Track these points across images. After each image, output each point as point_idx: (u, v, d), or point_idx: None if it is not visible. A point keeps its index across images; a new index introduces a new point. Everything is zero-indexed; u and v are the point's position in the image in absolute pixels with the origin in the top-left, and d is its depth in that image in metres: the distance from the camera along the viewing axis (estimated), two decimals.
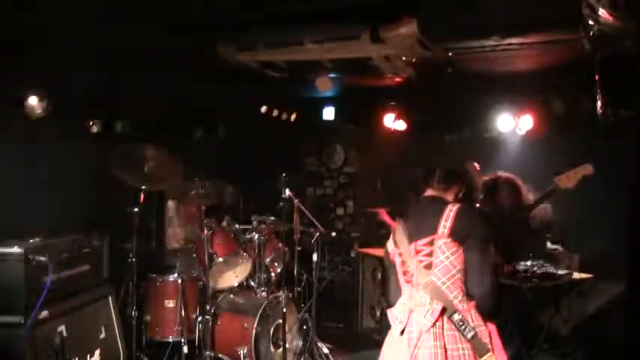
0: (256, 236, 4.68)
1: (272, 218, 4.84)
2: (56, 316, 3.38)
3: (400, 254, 2.57)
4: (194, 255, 4.55)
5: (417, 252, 2.48)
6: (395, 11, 3.63)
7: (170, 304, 4.34)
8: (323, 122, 7.15)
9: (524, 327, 4.45)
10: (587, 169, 3.47)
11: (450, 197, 2.62)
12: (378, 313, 5.54)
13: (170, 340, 4.32)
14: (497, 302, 2.48)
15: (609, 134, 4.49)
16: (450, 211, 2.43)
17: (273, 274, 4.87)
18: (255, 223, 4.80)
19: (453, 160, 2.83)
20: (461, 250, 2.40)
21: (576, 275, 4.59)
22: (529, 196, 4.09)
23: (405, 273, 2.56)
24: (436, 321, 2.37)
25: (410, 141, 6.42)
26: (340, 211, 7.68)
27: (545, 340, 4.79)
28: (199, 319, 4.30)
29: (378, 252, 5.62)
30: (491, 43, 3.79)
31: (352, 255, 6.83)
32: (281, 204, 4.49)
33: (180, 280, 4.35)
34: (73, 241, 3.71)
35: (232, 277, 4.71)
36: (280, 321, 4.32)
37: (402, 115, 6.26)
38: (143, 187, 4.10)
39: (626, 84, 3.94)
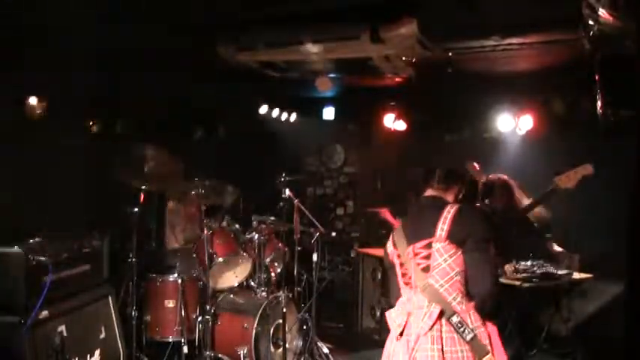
0: (256, 236, 4.68)
1: (272, 218, 4.84)
2: (56, 316, 3.38)
3: (399, 256, 2.57)
4: (194, 255, 4.55)
5: (415, 254, 2.46)
6: (395, 11, 3.63)
7: (170, 304, 4.34)
8: (323, 122, 7.16)
9: (524, 327, 4.45)
10: (587, 169, 3.47)
11: (450, 197, 2.60)
12: (378, 313, 5.54)
13: (170, 340, 4.32)
14: (497, 303, 2.47)
15: (609, 134, 4.49)
16: (449, 213, 2.41)
17: (273, 274, 4.87)
18: (255, 223, 4.80)
19: (453, 160, 2.83)
20: (459, 252, 2.37)
21: (576, 275, 4.58)
22: (523, 199, 4.10)
23: (403, 275, 2.55)
24: (434, 324, 2.35)
25: (410, 141, 6.42)
26: (340, 211, 7.68)
27: (545, 340, 4.79)
28: (199, 319, 4.30)
29: (378, 252, 5.61)
30: (491, 43, 3.80)
31: (352, 255, 6.83)
32: (281, 204, 4.49)
33: (180, 280, 4.35)
34: (73, 241, 3.70)
35: (232, 277, 4.71)
36: (280, 321, 4.31)
37: (402, 115, 6.26)
38: (143, 187, 4.10)
39: (626, 84, 3.94)
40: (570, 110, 5.03)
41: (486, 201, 4.03)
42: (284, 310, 4.28)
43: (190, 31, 4.02)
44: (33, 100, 3.82)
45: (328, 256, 7.17)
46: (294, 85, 5.88)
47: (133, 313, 4.00)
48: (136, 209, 4.01)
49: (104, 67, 4.17)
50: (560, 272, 4.47)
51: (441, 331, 2.36)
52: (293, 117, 6.88)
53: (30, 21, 3.41)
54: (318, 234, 4.78)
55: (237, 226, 4.85)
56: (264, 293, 4.53)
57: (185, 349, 4.22)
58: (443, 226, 2.38)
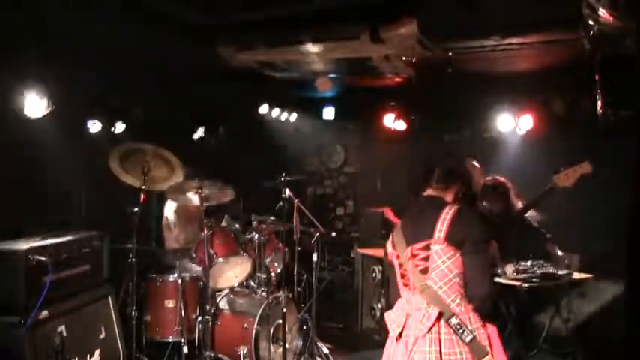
0: (256, 236, 4.68)
1: (272, 218, 4.84)
2: (56, 316, 3.39)
3: (398, 256, 2.56)
4: (194, 255, 4.55)
5: (414, 256, 2.45)
6: (395, 11, 3.63)
7: (170, 304, 4.34)
8: (323, 122, 7.16)
9: (524, 327, 4.45)
10: (586, 168, 3.47)
11: (449, 197, 2.57)
12: (378, 313, 5.54)
13: (170, 340, 4.32)
14: (495, 303, 2.46)
15: (609, 134, 4.49)
16: (447, 214, 2.39)
17: (273, 274, 4.87)
18: (255, 223, 4.80)
19: (453, 160, 2.81)
20: (458, 254, 2.36)
21: (576, 275, 4.58)
22: (517, 202, 4.10)
23: (402, 276, 2.54)
24: (432, 326, 2.34)
25: (410, 141, 6.42)
26: (340, 211, 7.68)
27: (545, 340, 4.79)
28: (199, 319, 4.30)
29: (378, 252, 5.61)
30: (491, 43, 3.80)
31: (352, 255, 6.82)
32: (281, 204, 4.49)
33: (180, 280, 4.35)
34: (73, 241, 3.71)
35: (232, 277, 4.71)
36: (280, 321, 4.31)
37: (402, 115, 6.26)
38: (143, 187, 4.10)
39: (626, 84, 3.94)
40: (570, 110, 5.02)
41: (484, 203, 4.03)
42: (284, 310, 4.28)
43: (190, 31, 4.02)
44: (33, 100, 3.81)
45: (328, 256, 7.18)
46: (294, 85, 5.88)
47: (133, 313, 4.00)
48: (136, 209, 4.01)
49: (104, 67, 4.17)
50: (560, 272, 4.46)
51: (439, 333, 2.35)
52: (293, 117, 6.87)
53: (30, 21, 3.41)
54: (318, 234, 4.77)
55: (237, 226, 4.85)
56: (264, 293, 4.52)
57: (185, 349, 4.21)
58: (441, 228, 2.37)
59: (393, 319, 2.54)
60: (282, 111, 6.63)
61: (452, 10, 3.47)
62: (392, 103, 6.31)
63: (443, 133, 6.30)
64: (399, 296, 2.59)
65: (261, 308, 4.30)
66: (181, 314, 4.27)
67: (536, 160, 5.19)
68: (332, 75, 5.15)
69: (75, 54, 3.89)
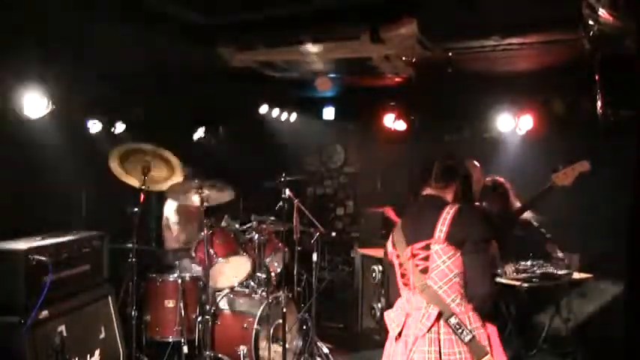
0: (256, 236, 4.68)
1: (272, 218, 4.84)
2: (56, 316, 3.39)
3: (398, 256, 2.55)
4: (194, 255, 4.56)
5: (414, 255, 2.44)
6: (395, 11, 3.63)
7: (170, 304, 4.34)
8: (323, 122, 7.15)
9: (524, 327, 4.45)
10: (584, 166, 3.47)
11: (449, 196, 2.55)
12: (378, 313, 5.54)
13: (170, 340, 4.32)
14: (495, 303, 2.46)
15: (609, 134, 4.49)
16: (448, 214, 2.37)
17: (273, 274, 4.87)
18: (255, 223, 4.80)
19: (451, 158, 2.79)
20: (458, 254, 2.35)
21: (576, 275, 4.58)
22: (516, 203, 4.10)
23: (402, 275, 2.54)
24: (432, 325, 2.34)
25: (410, 141, 6.42)
26: (340, 211, 7.68)
27: (545, 340, 4.79)
28: (199, 319, 4.30)
29: (378, 252, 5.61)
30: (491, 43, 3.79)
31: (352, 255, 6.82)
32: (281, 204, 4.49)
33: (180, 280, 4.35)
34: (73, 241, 3.71)
35: (232, 277, 4.70)
36: (280, 321, 4.31)
37: (402, 115, 6.26)
38: (143, 187, 4.10)
39: (626, 84, 3.94)
40: (570, 110, 5.02)
41: (484, 203, 4.04)
42: (284, 310, 4.28)
43: (190, 31, 4.02)
44: (33, 100, 3.82)
45: (328, 256, 7.18)
46: (294, 85, 5.88)
47: (133, 313, 4.00)
48: (136, 209, 4.01)
49: (104, 67, 4.17)
50: (560, 272, 4.47)
51: (438, 333, 2.34)
52: (293, 117, 6.87)
53: (30, 21, 3.41)
54: (318, 234, 4.78)
55: (237, 226, 4.85)
56: (264, 293, 4.52)
57: (185, 349, 4.22)
58: (442, 228, 2.36)
59: (392, 318, 2.54)
60: (282, 111, 6.63)
61: (452, 10, 3.47)
62: (392, 103, 6.31)
63: (443, 133, 6.31)
64: (399, 296, 2.59)
65: (261, 308, 4.31)
66: (181, 314, 4.27)
67: (536, 160, 5.19)
68: (332, 75, 5.15)
69: (75, 54, 3.89)
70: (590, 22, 2.74)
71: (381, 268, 5.60)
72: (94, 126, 4.53)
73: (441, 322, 2.35)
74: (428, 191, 2.59)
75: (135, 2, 3.41)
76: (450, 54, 4.13)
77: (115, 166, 4.09)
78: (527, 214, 4.20)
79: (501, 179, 4.18)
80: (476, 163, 4.19)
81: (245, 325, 4.27)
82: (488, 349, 2.33)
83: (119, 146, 4.16)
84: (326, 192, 7.78)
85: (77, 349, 3.52)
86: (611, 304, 4.81)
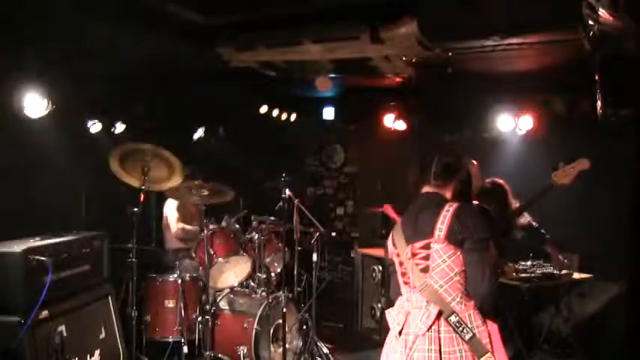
0: (256, 236, 4.68)
1: (272, 218, 4.84)
2: (56, 316, 3.39)
3: (398, 254, 2.55)
4: (194, 255, 4.56)
5: (414, 255, 2.44)
6: (395, 11, 3.62)
7: (170, 304, 4.34)
8: (323, 122, 7.16)
9: (524, 327, 4.45)
10: (584, 164, 3.46)
11: (448, 194, 2.55)
12: (378, 313, 5.55)
13: (170, 340, 4.32)
14: (496, 302, 2.45)
15: (609, 134, 4.49)
16: (447, 212, 2.37)
17: (273, 274, 4.87)
18: (255, 223, 4.80)
19: (450, 155, 2.78)
20: (459, 253, 2.35)
21: (576, 275, 4.59)
22: (516, 204, 4.11)
23: (403, 274, 2.54)
24: (432, 324, 2.34)
25: (410, 141, 6.42)
26: (340, 211, 7.68)
27: (545, 340, 4.79)
28: (199, 319, 4.30)
29: (378, 252, 5.62)
30: (491, 43, 3.79)
31: (352, 255, 6.83)
32: (281, 204, 4.49)
33: (180, 280, 4.35)
34: (73, 241, 3.71)
35: (232, 277, 4.71)
36: (280, 321, 4.31)
37: (402, 115, 6.26)
38: (143, 187, 4.10)
39: (626, 84, 3.94)
40: (570, 110, 5.02)
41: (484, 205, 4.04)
42: (284, 310, 4.28)
43: (190, 31, 4.02)
44: (33, 100, 3.82)
45: (328, 256, 7.17)
46: (294, 85, 5.88)
47: (133, 313, 4.00)
48: (136, 209, 4.01)
49: (104, 67, 4.17)
50: (560, 272, 4.48)
51: (439, 332, 2.34)
52: (293, 117, 6.87)
53: (31, 21, 3.41)
54: (318, 234, 4.78)
55: (237, 226, 4.85)
56: (264, 293, 4.53)
57: (185, 349, 4.22)
58: (441, 227, 2.35)
59: (394, 316, 2.54)
60: (282, 111, 6.63)
61: (452, 10, 3.46)
62: (392, 103, 6.31)
63: (443, 133, 6.30)
64: (400, 294, 2.59)
65: (261, 308, 4.31)
66: (181, 314, 4.27)
67: (536, 160, 5.19)
68: (332, 75, 5.14)
69: (75, 54, 3.89)
70: (590, 22, 2.74)
71: (381, 268, 5.61)
72: (94, 126, 4.53)
73: (442, 320, 2.35)
74: (427, 189, 2.58)
75: (135, 2, 3.41)
76: (450, 54, 4.12)
77: (115, 166, 4.09)
78: (526, 215, 4.20)
79: (500, 180, 4.19)
80: (473, 161, 4.20)
81: (245, 325, 4.27)
82: (489, 347, 2.33)
83: (119, 146, 4.16)
84: (326, 192, 7.78)
85: (77, 349, 3.52)
86: (611, 304, 4.81)
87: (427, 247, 2.40)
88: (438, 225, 2.36)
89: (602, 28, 2.72)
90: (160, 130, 4.82)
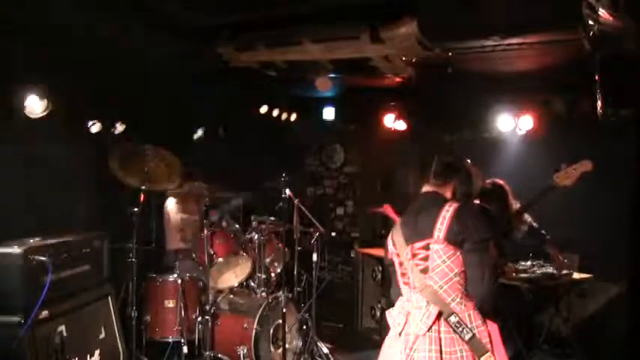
0: (256, 236, 4.68)
1: (272, 218, 4.84)
2: (56, 316, 3.38)
3: (398, 255, 2.55)
4: (194, 255, 4.55)
5: (414, 255, 2.44)
6: (395, 11, 3.63)
7: (170, 304, 4.34)
8: (323, 122, 7.15)
9: (524, 327, 4.45)
10: (587, 166, 3.46)
11: (448, 193, 2.54)
12: (378, 313, 5.55)
13: (170, 340, 4.32)
14: (496, 303, 2.45)
15: (609, 134, 4.49)
16: (447, 212, 2.37)
17: (273, 274, 4.87)
18: (255, 223, 4.80)
19: (450, 154, 2.77)
20: (458, 253, 2.35)
21: (576, 275, 4.58)
22: (516, 204, 4.11)
23: (403, 274, 2.53)
24: (432, 324, 2.34)
25: (410, 141, 6.42)
26: (340, 211, 7.67)
27: (545, 340, 4.79)
28: (199, 319, 4.30)
29: (378, 252, 5.62)
30: (491, 43, 3.79)
31: (352, 255, 6.83)
32: (281, 204, 4.49)
33: (180, 280, 4.35)
34: (73, 241, 3.71)
35: (232, 277, 4.71)
36: (280, 321, 4.31)
37: (402, 115, 6.26)
38: (143, 187, 4.10)
39: (626, 84, 3.94)
40: (570, 110, 5.02)
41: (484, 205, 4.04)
42: (284, 310, 4.28)
43: (190, 31, 4.02)
44: (33, 100, 3.82)
45: (328, 256, 7.17)
46: (294, 85, 5.88)
47: (133, 313, 4.00)
48: (136, 209, 4.01)
49: (105, 67, 4.17)
50: (560, 272, 4.47)
51: (439, 332, 2.35)
52: (293, 117, 6.87)
53: (31, 21, 3.41)
54: (318, 234, 4.77)
55: (237, 226, 4.85)
56: (264, 293, 4.53)
57: (185, 349, 4.22)
58: (441, 227, 2.35)
59: (394, 316, 2.54)
60: (282, 111, 6.63)
61: (452, 10, 3.47)
62: (392, 103, 6.31)
63: (443, 133, 6.30)
64: (401, 294, 2.59)
65: (261, 308, 4.31)
66: (181, 314, 4.27)
67: (536, 160, 5.19)
68: (332, 75, 5.14)
69: (75, 54, 3.89)
70: (590, 22, 2.74)
71: (381, 268, 5.61)
72: (94, 126, 4.53)
73: (442, 320, 2.35)
74: (427, 188, 2.58)
75: (135, 2, 3.41)
76: (450, 54, 4.12)
77: (115, 166, 4.09)
78: (527, 216, 4.20)
79: (500, 181, 4.18)
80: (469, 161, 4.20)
81: (245, 325, 4.27)
82: (489, 346, 2.33)
83: (119, 146, 4.16)
84: (326, 192, 7.77)
85: (77, 349, 3.51)
86: (611, 304, 4.81)
87: (427, 247, 2.39)
88: (438, 225, 2.36)
89: (602, 28, 2.72)
90: (160, 130, 4.82)
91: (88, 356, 3.64)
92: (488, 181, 4.16)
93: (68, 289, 3.58)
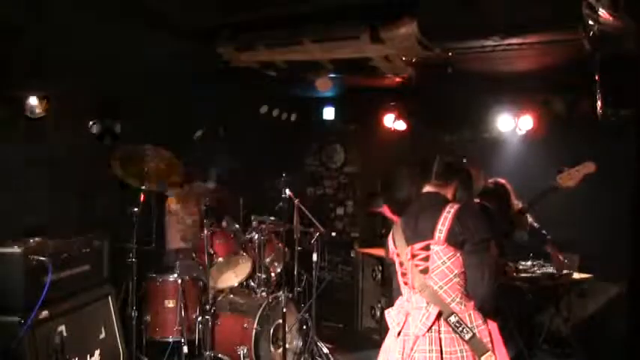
0: (256, 236, 4.68)
1: (272, 218, 4.84)
2: (56, 316, 3.38)
3: (398, 255, 2.55)
4: (194, 255, 4.55)
5: (414, 256, 2.43)
6: (395, 11, 3.63)
7: (170, 304, 4.34)
8: (323, 122, 7.15)
9: (524, 327, 4.45)
10: (589, 167, 3.46)
11: (449, 193, 2.54)
12: (378, 313, 5.55)
13: (170, 340, 4.32)
14: (496, 303, 2.45)
15: (609, 134, 4.50)
16: (448, 214, 2.36)
17: (273, 274, 4.87)
18: (255, 223, 4.80)
19: (451, 155, 2.77)
20: (458, 254, 2.34)
21: (576, 275, 4.59)
22: (518, 204, 4.11)
23: (403, 274, 2.53)
24: (432, 325, 2.34)
25: (410, 141, 6.42)
26: (340, 211, 7.68)
27: (545, 340, 4.79)
28: (199, 319, 4.30)
29: (378, 252, 5.62)
30: (491, 43, 3.79)
31: (352, 255, 6.83)
32: (281, 204, 4.49)
33: (180, 280, 4.35)
34: (73, 241, 3.71)
35: (232, 277, 4.71)
36: (280, 321, 4.31)
37: (402, 115, 6.26)
38: (143, 187, 4.10)
39: (626, 84, 3.94)
40: (570, 110, 5.02)
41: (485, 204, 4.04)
42: (284, 310, 4.28)
43: (190, 31, 4.02)
44: (33, 100, 3.82)
45: (328, 256, 7.17)
46: (294, 85, 5.88)
47: (133, 313, 4.00)
48: (136, 209, 4.01)
49: (105, 67, 4.17)
50: (560, 272, 4.47)
51: (439, 332, 2.34)
52: (293, 117, 6.87)
53: (31, 21, 3.41)
54: (318, 234, 4.77)
55: (237, 226, 4.85)
56: (264, 293, 4.53)
57: (185, 349, 4.22)
58: (441, 228, 2.34)
59: (393, 316, 2.54)
60: (282, 111, 6.63)
61: (452, 10, 3.47)
62: (392, 103, 6.31)
63: (443, 133, 6.30)
64: (400, 294, 2.59)
65: (261, 308, 4.31)
66: (181, 314, 4.27)
67: (536, 160, 5.20)
68: (332, 75, 5.14)
69: (75, 54, 3.89)
70: (590, 22, 2.74)
71: (381, 267, 5.61)
72: (94, 126, 4.53)
73: (442, 321, 2.35)
74: (428, 188, 2.57)
75: (135, 2, 3.41)
76: (450, 54, 4.12)
77: (115, 166, 4.09)
78: (528, 216, 4.20)
79: (503, 180, 4.18)
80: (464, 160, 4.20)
81: (245, 325, 4.27)
82: (489, 346, 2.33)
83: (119, 146, 4.16)
84: (326, 192, 7.78)
85: (77, 349, 3.51)
86: (611, 304, 4.81)
87: (427, 248, 2.39)
88: (439, 227, 2.35)
89: (602, 28, 2.72)
90: (160, 130, 4.82)
91: (88, 356, 3.64)
92: (490, 180, 4.16)
93: (68, 289, 3.58)
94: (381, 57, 4.28)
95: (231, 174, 5.47)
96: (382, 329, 5.02)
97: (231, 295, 4.63)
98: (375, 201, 5.73)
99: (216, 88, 5.32)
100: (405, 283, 2.51)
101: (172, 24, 3.86)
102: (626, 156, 4.43)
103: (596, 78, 3.61)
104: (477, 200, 3.69)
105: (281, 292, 4.38)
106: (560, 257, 4.41)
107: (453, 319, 2.32)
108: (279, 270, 4.88)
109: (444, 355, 2.32)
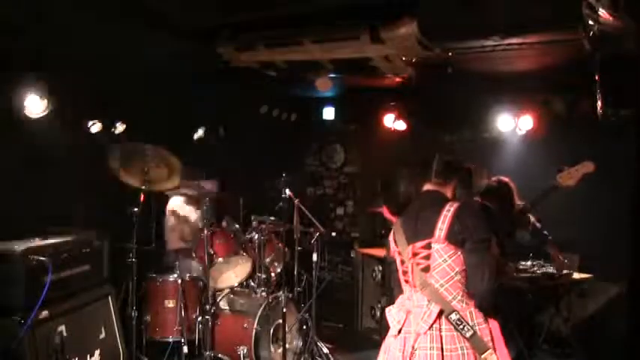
0: (256, 236, 4.68)
1: (272, 218, 4.84)
2: (56, 316, 3.38)
3: (399, 253, 2.55)
4: (194, 255, 4.55)
5: (415, 254, 2.44)
6: (395, 11, 3.63)
7: (170, 304, 4.34)
8: (323, 122, 7.15)
9: (524, 327, 4.45)
10: (589, 167, 3.47)
11: (448, 192, 2.55)
12: (378, 313, 5.55)
13: (170, 340, 4.32)
14: (496, 301, 2.45)
15: (609, 134, 4.50)
16: (448, 212, 2.37)
17: (273, 274, 4.87)
18: (255, 223, 4.80)
19: (451, 154, 2.77)
20: (459, 252, 2.35)
21: (576, 275, 4.59)
22: (520, 203, 4.11)
23: (404, 273, 2.54)
24: (433, 323, 2.35)
25: (410, 141, 6.42)
26: (340, 211, 7.68)
27: (545, 340, 4.79)
28: (199, 319, 4.30)
29: (378, 252, 5.62)
30: (491, 43, 3.79)
31: (352, 255, 6.83)
32: (281, 204, 4.49)
33: (180, 280, 4.35)
34: (73, 241, 3.71)
35: (232, 277, 4.71)
36: (280, 321, 4.31)
37: (402, 115, 6.26)
38: (143, 187, 4.10)
39: (626, 84, 3.94)
40: (570, 110, 5.03)
41: (487, 203, 4.04)
42: (284, 310, 4.28)
43: (190, 31, 4.02)
44: (33, 100, 3.82)
45: (328, 256, 7.17)
46: (294, 85, 5.88)
47: (133, 313, 4.00)
48: (136, 209, 4.01)
49: (105, 67, 4.17)
50: (560, 272, 4.48)
51: (440, 330, 2.35)
52: (293, 117, 6.87)
53: (31, 21, 3.41)
54: (318, 234, 4.78)
55: (237, 226, 4.85)
56: (264, 293, 4.52)
57: (185, 349, 4.21)
58: (442, 226, 2.35)
59: (394, 315, 2.54)
60: (282, 111, 6.63)
61: (452, 10, 3.47)
62: (392, 103, 6.31)
63: (443, 133, 6.31)
64: (401, 292, 2.59)
65: (261, 308, 4.31)
66: (181, 314, 4.27)
67: (536, 160, 5.20)
68: (332, 75, 5.14)
69: (75, 54, 3.89)
70: (590, 22, 2.74)
71: (381, 267, 5.60)
72: (94, 126, 4.53)
73: (443, 319, 2.36)
74: (428, 187, 2.58)
75: (135, 2, 3.41)
76: (450, 54, 4.12)
77: (115, 166, 4.09)
78: (530, 216, 4.20)
79: (506, 179, 4.18)
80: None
81: (245, 325, 4.27)
82: (490, 344, 2.34)
83: (119, 146, 4.16)
84: (326, 192, 7.78)
85: (77, 349, 3.52)
86: (611, 304, 4.81)
87: (428, 246, 2.40)
88: (439, 225, 2.36)
89: (602, 28, 2.72)
90: (160, 130, 4.82)
91: (88, 356, 3.64)
92: (493, 178, 4.15)
93: (68, 289, 3.58)
94: (381, 57, 4.29)
95: (231, 174, 5.47)
96: (382, 329, 5.02)
97: (231, 295, 4.63)
98: (377, 200, 5.73)
99: (216, 88, 5.32)
100: (406, 282, 2.52)
101: (172, 24, 3.86)
102: (626, 156, 4.43)
103: (596, 78, 3.62)
104: (478, 199, 3.68)
105: (281, 292, 4.38)
106: (560, 257, 4.42)
107: (454, 316, 2.33)
108: (279, 270, 4.88)
109: (444, 353, 2.33)
